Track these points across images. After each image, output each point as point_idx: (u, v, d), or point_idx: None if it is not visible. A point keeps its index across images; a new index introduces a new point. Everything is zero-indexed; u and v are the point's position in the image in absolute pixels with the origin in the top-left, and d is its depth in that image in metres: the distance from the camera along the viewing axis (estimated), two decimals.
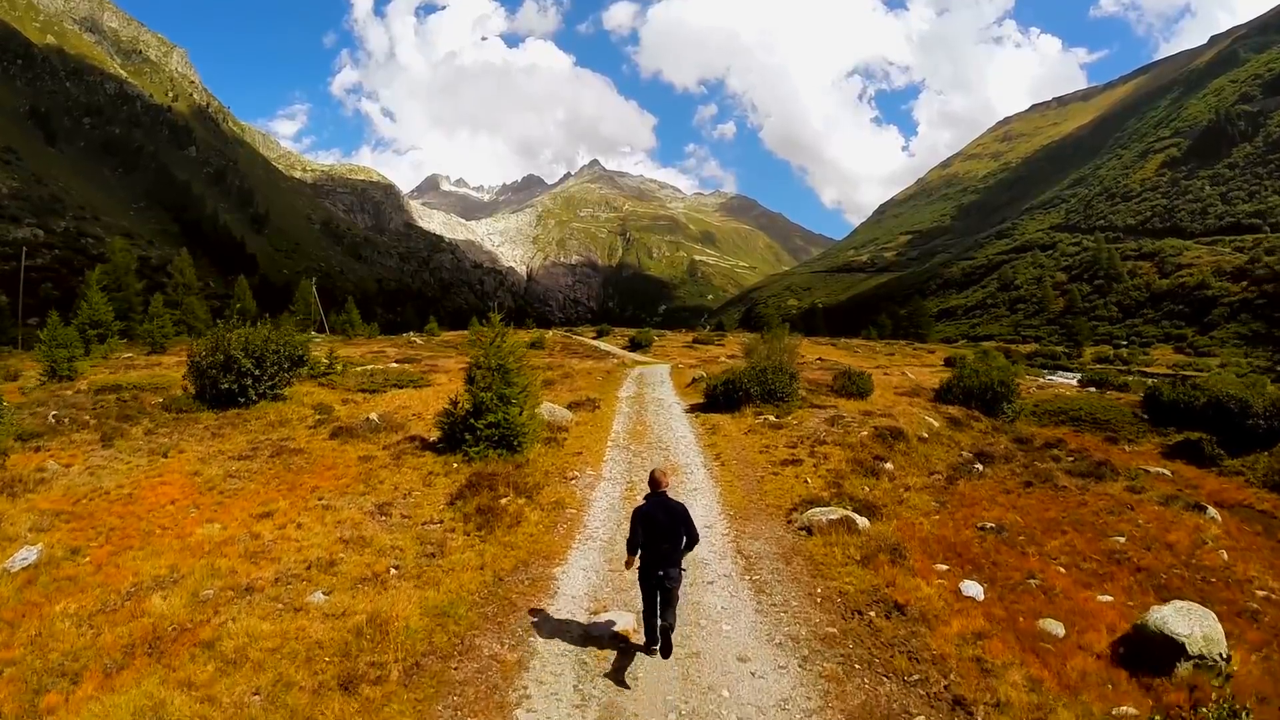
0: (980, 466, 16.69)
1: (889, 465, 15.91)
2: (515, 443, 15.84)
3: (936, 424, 21.08)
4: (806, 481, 14.44)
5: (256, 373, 20.84)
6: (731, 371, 24.84)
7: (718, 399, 23.17)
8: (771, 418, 20.60)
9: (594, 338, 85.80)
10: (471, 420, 15.82)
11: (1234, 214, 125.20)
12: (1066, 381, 39.11)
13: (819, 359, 45.90)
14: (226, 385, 20.43)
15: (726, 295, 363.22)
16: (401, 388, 25.50)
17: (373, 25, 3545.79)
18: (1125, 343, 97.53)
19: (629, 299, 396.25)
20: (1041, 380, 41.16)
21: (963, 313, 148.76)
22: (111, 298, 47.60)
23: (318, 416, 20.28)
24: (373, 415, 19.74)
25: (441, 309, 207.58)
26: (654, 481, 7.72)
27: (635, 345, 68.78)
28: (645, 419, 22.08)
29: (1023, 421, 23.72)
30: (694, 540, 7.64)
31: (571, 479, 14.79)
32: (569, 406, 22.49)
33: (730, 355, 48.69)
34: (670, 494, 7.90)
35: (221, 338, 20.86)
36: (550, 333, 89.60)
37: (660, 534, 7.41)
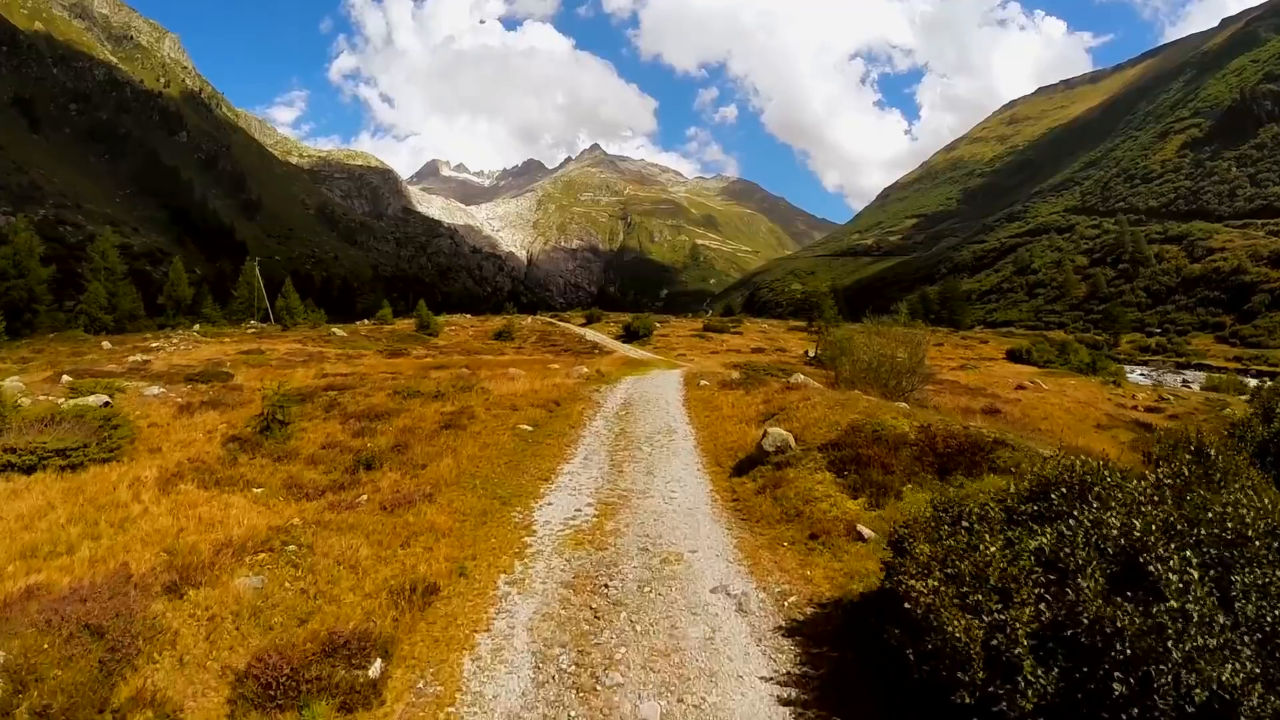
0: None
1: None
2: None
3: None
4: None
5: None
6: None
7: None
8: None
9: (582, 324, 73.64)
10: None
11: (1265, 196, 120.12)
12: (1189, 388, 33.21)
13: None
14: None
15: (729, 279, 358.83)
16: (30, 470, 11.69)
17: (370, 10, 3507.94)
18: (1159, 330, 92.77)
19: (630, 284, 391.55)
20: (1166, 384, 33.30)
21: (977, 297, 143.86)
22: (10, 286, 42.30)
23: None
24: None
25: (438, 293, 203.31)
26: None
27: (631, 335, 57.15)
28: None
29: None
30: None
31: None
32: (262, 699, 5.36)
33: (756, 349, 43.23)
34: None
35: None
36: (529, 319, 78.70)
37: None
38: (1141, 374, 40.63)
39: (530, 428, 15.34)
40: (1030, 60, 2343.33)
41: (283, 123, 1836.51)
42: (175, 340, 40.83)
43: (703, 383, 22.60)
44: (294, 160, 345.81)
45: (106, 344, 37.51)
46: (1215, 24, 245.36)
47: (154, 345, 37.27)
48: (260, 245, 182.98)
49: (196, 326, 54.20)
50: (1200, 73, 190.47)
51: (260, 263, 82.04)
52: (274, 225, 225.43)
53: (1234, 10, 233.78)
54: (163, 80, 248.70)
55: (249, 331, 53.31)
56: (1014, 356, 39.16)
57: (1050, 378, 29.72)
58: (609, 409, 18.50)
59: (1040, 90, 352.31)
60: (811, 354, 43.71)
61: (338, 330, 53.94)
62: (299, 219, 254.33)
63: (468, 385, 20.05)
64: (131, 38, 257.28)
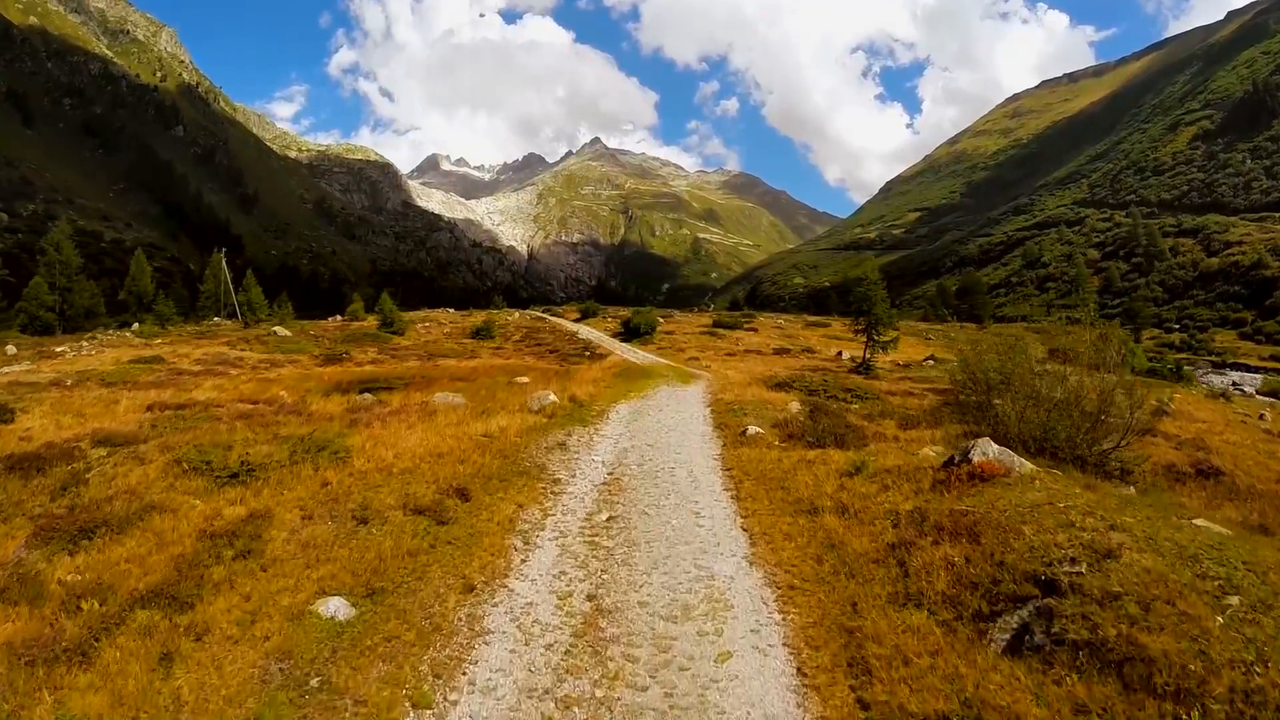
0: None
1: None
2: None
3: None
4: None
5: None
6: None
7: None
8: None
9: (576, 320, 65.84)
10: None
11: None
12: (1242, 391, 31.05)
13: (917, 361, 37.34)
14: None
15: (731, 273, 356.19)
16: None
17: (369, 4, 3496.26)
18: (1177, 326, 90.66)
19: (632, 278, 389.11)
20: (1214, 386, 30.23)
21: (986, 291, 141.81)
22: None
23: None
24: None
25: (437, 288, 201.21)
26: None
27: (631, 333, 49.60)
28: None
29: None
30: None
31: None
32: None
33: (779, 349, 40.70)
34: None
35: None
36: (516, 314, 71.97)
37: None
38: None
39: (352, 611, 6.39)
40: (1033, 54, 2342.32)
41: (282, 118, 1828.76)
42: (92, 342, 37.55)
43: (751, 429, 14.42)
44: (292, 155, 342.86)
45: (11, 348, 34.43)
46: (1221, 17, 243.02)
47: (58, 350, 33.89)
48: (257, 240, 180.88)
49: (135, 325, 49.68)
50: (1208, 65, 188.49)
51: (256, 258, 79.58)
52: (271, 220, 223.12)
53: (1239, 3, 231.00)
54: (159, 74, 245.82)
55: (201, 329, 50.08)
56: (1058, 357, 36.55)
57: (1143, 388, 27.01)
58: (574, 504, 9.83)
59: (1043, 83, 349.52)
60: (847, 355, 40.82)
61: (280, 329, 48.57)
62: (297, 213, 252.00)
63: (322, 444, 11.38)
64: (128, 32, 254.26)
